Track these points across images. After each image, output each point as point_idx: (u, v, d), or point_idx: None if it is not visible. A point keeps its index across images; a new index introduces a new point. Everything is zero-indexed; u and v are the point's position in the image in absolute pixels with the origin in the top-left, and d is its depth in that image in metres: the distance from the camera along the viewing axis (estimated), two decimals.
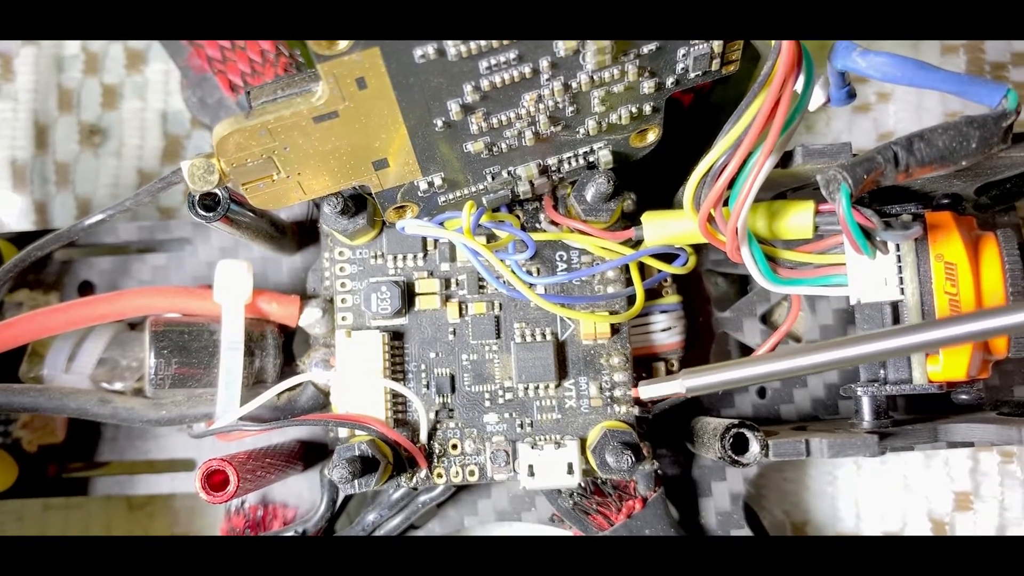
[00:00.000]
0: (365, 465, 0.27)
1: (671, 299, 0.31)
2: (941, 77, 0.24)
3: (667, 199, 0.31)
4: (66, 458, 0.34)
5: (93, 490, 0.34)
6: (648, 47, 0.25)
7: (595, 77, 0.25)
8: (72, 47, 0.39)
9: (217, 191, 0.26)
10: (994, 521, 0.36)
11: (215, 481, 0.26)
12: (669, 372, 0.31)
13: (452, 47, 0.22)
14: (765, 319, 0.33)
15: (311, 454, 0.33)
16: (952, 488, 0.36)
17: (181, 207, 0.38)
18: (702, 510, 0.33)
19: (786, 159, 0.26)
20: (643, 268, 0.30)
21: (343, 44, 0.21)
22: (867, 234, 0.24)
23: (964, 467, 0.36)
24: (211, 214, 0.26)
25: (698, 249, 0.31)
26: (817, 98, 0.26)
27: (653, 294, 0.31)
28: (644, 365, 0.31)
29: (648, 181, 0.30)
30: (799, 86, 0.25)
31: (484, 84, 0.24)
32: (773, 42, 0.24)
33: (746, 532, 0.32)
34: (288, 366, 0.31)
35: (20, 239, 0.34)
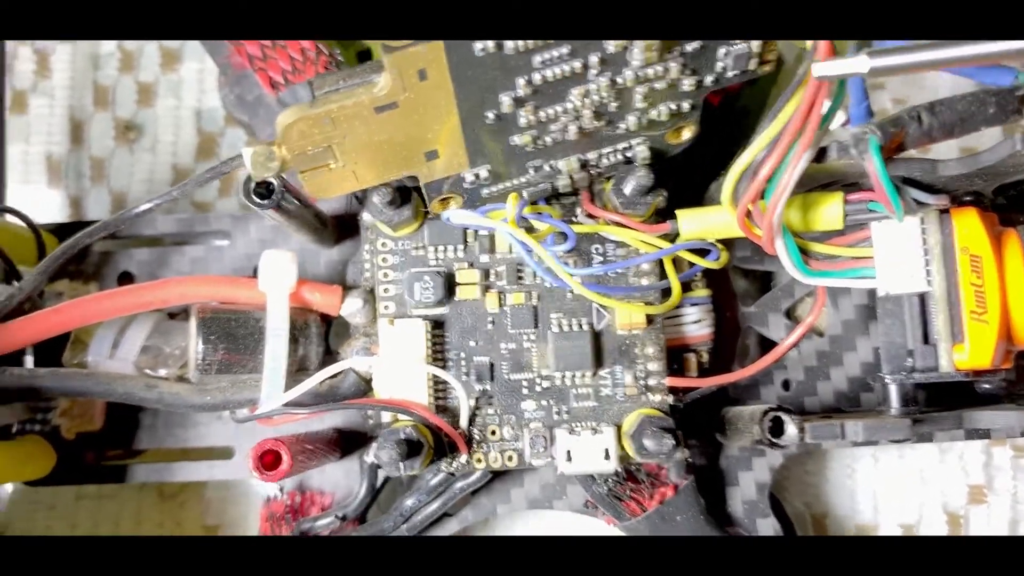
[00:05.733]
0: (410, 448, 0.28)
1: (701, 292, 0.32)
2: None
3: (695, 197, 0.32)
4: (104, 446, 0.35)
5: (130, 477, 0.34)
6: (692, 45, 0.26)
7: (640, 74, 0.26)
8: (108, 45, 0.40)
9: (272, 179, 0.27)
10: (1007, 514, 0.37)
11: (266, 461, 0.27)
12: (699, 364, 0.32)
13: (511, 41, 0.23)
14: (789, 314, 0.34)
15: (348, 443, 0.34)
16: (967, 482, 0.37)
17: (216, 201, 0.39)
18: (729, 499, 0.33)
19: (821, 155, 0.27)
20: (676, 263, 0.31)
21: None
22: (899, 191, 0.25)
23: (978, 461, 0.37)
24: (266, 201, 0.27)
25: (727, 244, 0.32)
26: (838, 118, 0.28)
27: (684, 288, 0.32)
28: (675, 357, 0.32)
29: (678, 180, 0.31)
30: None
31: (536, 78, 0.25)
32: (809, 44, 0.25)
33: (772, 521, 0.33)
34: (328, 355, 0.32)
35: (60, 230, 0.35)
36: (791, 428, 0.26)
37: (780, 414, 0.27)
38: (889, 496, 0.37)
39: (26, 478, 0.34)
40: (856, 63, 0.23)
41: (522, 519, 0.37)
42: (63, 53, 0.40)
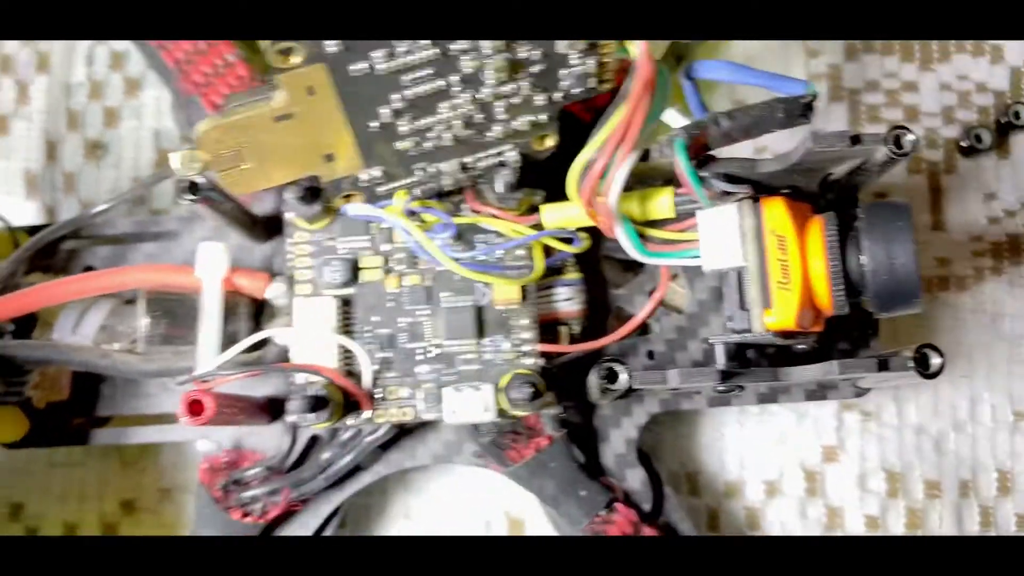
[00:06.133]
0: (317, 403, 0.34)
1: (572, 275, 0.38)
2: (759, 75, 0.32)
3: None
4: (70, 413, 0.40)
5: (93, 440, 0.40)
6: (537, 67, 0.32)
7: (496, 91, 0.32)
8: (79, 75, 0.46)
9: (200, 180, 0.33)
10: (856, 470, 0.43)
11: (196, 410, 0.33)
12: (571, 335, 0.38)
13: (380, 64, 0.30)
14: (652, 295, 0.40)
15: (277, 411, 0.39)
16: (820, 443, 0.43)
17: (169, 207, 0.45)
18: (602, 454, 0.39)
19: (645, 155, 0.33)
20: (549, 252, 0.37)
21: (296, 59, 0.28)
22: (703, 181, 0.31)
23: (831, 425, 0.43)
24: (197, 196, 0.33)
25: (597, 236, 0.38)
26: (675, 120, 0.34)
27: (557, 271, 0.38)
28: (550, 329, 0.38)
29: (557, 183, 0.37)
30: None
31: (408, 94, 0.31)
32: (634, 60, 0.31)
33: (640, 471, 0.39)
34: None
35: (33, 230, 0.41)
36: (622, 375, 0.32)
37: (612, 364, 0.32)
38: (753, 456, 0.43)
39: (4, 440, 0.39)
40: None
41: (435, 476, 0.43)
42: (40, 83, 0.46)
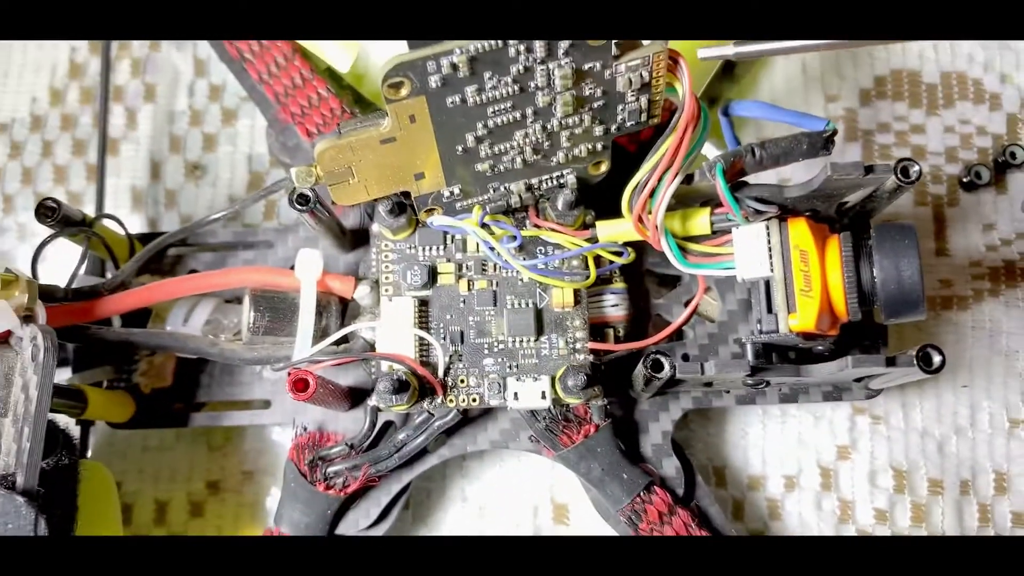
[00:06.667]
0: (400, 386, 0.39)
1: (619, 285, 0.43)
2: (786, 113, 0.37)
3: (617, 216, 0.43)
4: (172, 399, 0.46)
5: (191, 423, 0.45)
6: (598, 102, 0.38)
7: (563, 122, 0.38)
8: (182, 104, 0.53)
9: (310, 192, 0.39)
10: (867, 468, 0.48)
11: (299, 387, 0.38)
12: (616, 337, 0.43)
13: (471, 97, 0.35)
14: (688, 305, 0.45)
15: (357, 399, 0.45)
16: (835, 443, 0.48)
17: (261, 223, 0.51)
18: (641, 443, 0.44)
19: (688, 179, 0.39)
20: (600, 261, 0.43)
21: (404, 92, 0.34)
22: (739, 201, 0.37)
23: (844, 427, 0.48)
24: (305, 206, 0.39)
25: (641, 252, 0.44)
26: (711, 152, 0.40)
27: (605, 280, 0.43)
28: (598, 331, 0.43)
29: (606, 205, 0.43)
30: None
31: (490, 123, 0.37)
32: (680, 95, 0.37)
33: (674, 460, 0.44)
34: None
35: (143, 237, 0.47)
36: (666, 364, 0.37)
37: (659, 356, 0.38)
38: (775, 453, 0.48)
39: (113, 419, 0.45)
40: (726, 49, 0.35)
41: (489, 464, 0.48)
42: (147, 111, 0.53)
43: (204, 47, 0.53)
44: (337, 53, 0.43)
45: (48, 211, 0.41)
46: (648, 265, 0.45)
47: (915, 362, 0.37)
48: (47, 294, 0.39)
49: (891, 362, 0.37)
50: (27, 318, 0.37)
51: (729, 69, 0.52)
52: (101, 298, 0.41)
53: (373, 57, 0.51)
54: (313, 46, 0.44)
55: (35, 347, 0.35)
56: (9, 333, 0.37)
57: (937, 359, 0.37)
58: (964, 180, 0.51)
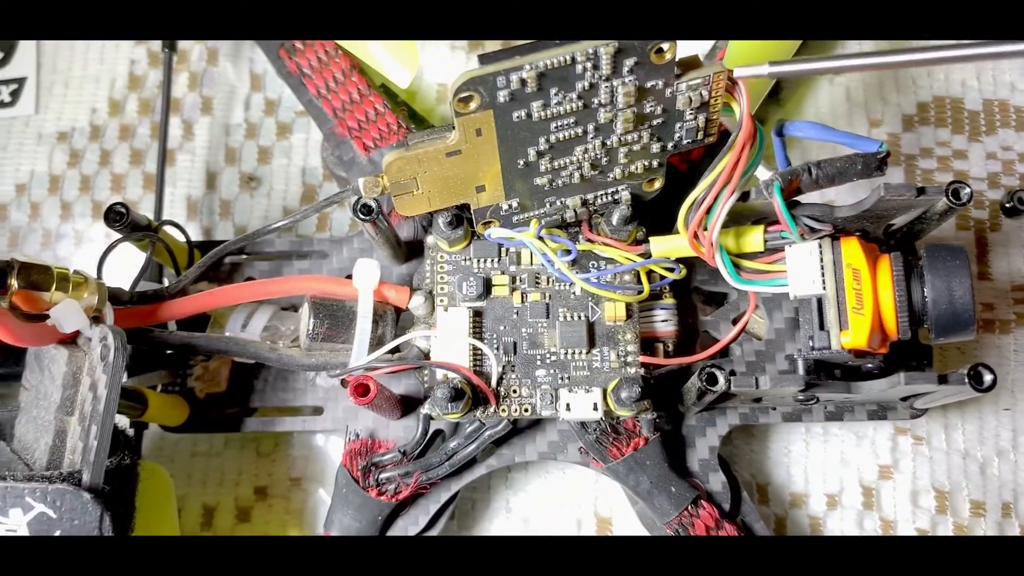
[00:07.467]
0: (455, 394, 0.40)
1: (668, 300, 0.44)
2: (839, 134, 0.38)
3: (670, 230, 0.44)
4: (226, 404, 0.47)
5: (244, 427, 0.46)
6: (658, 120, 0.39)
7: (622, 139, 0.39)
8: (238, 118, 0.54)
9: (374, 203, 0.40)
10: (909, 487, 0.48)
11: (359, 391, 0.39)
12: (665, 351, 0.44)
13: (536, 112, 0.36)
14: (735, 322, 0.46)
15: (408, 407, 0.45)
16: (877, 462, 0.48)
17: (314, 233, 0.52)
18: (688, 457, 0.45)
19: (745, 196, 0.40)
20: (650, 277, 0.43)
21: (472, 106, 0.35)
22: (795, 219, 0.38)
23: (886, 447, 0.48)
24: (369, 216, 0.40)
25: (689, 269, 0.44)
26: (762, 173, 0.41)
27: (655, 296, 0.44)
28: (648, 345, 0.44)
29: (656, 222, 0.44)
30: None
31: (552, 138, 0.38)
32: (738, 115, 0.38)
33: (720, 476, 0.44)
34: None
35: (202, 245, 0.48)
36: (721, 378, 0.38)
37: (713, 369, 0.38)
38: (817, 471, 0.48)
39: (168, 423, 0.46)
40: (760, 68, 0.36)
41: (534, 476, 0.49)
42: (203, 123, 0.54)
43: (260, 62, 0.55)
44: (397, 70, 0.45)
45: (117, 216, 0.42)
46: (696, 282, 0.46)
47: (966, 380, 0.37)
48: (113, 297, 0.40)
49: (943, 380, 0.37)
50: (95, 319, 0.38)
51: (775, 93, 0.53)
52: (165, 302, 0.42)
53: (426, 75, 0.52)
54: (374, 62, 0.45)
55: (104, 347, 0.36)
56: (77, 333, 0.38)
57: (988, 378, 0.37)
58: (1007, 205, 0.51)
